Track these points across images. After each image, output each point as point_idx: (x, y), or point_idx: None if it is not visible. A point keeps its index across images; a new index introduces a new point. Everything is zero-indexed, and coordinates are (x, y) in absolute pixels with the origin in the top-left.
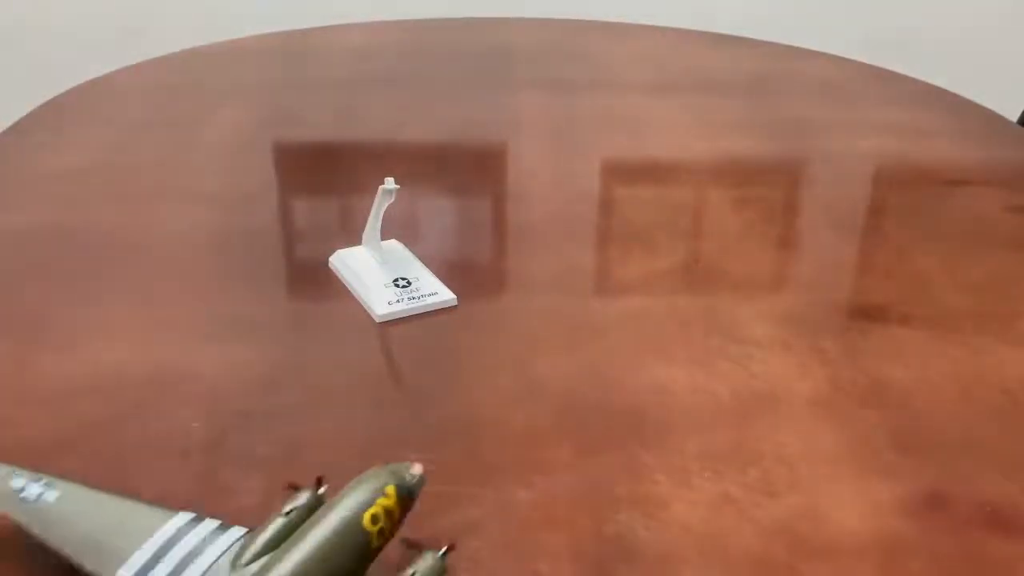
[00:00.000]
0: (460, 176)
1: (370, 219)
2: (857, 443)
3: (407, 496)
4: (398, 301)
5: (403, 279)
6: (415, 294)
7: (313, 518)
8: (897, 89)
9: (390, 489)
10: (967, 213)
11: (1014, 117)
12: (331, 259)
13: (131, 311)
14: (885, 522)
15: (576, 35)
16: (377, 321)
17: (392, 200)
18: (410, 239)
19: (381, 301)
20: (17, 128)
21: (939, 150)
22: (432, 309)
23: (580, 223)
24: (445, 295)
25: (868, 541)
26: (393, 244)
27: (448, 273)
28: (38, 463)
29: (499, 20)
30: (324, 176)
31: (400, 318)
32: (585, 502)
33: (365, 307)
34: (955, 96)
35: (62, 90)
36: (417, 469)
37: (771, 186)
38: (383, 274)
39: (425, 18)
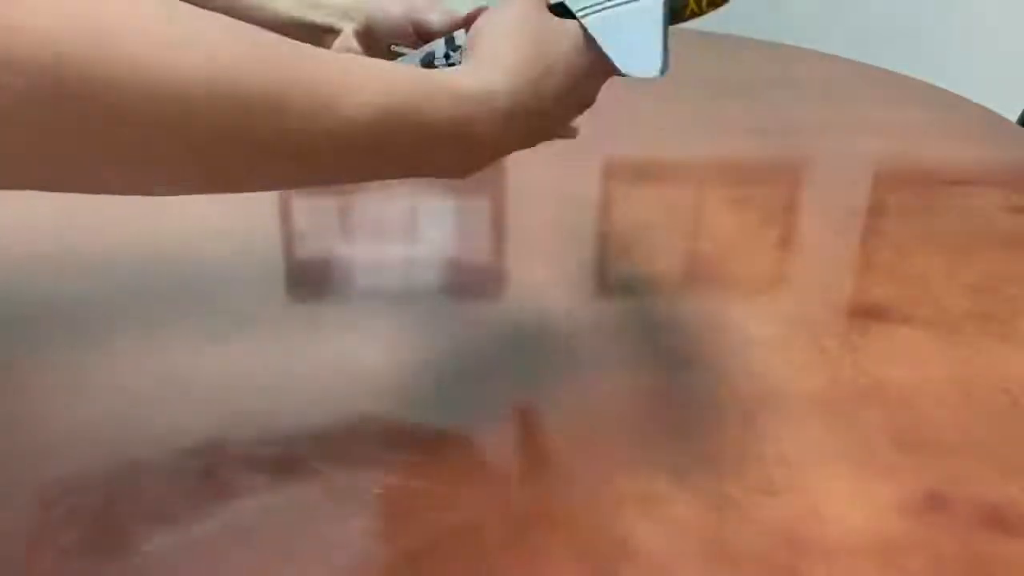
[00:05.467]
0: None
1: None
2: (857, 443)
3: None
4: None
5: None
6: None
7: None
8: (897, 89)
9: None
10: (967, 213)
11: (1014, 117)
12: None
13: (131, 310)
14: (885, 522)
15: None
16: None
17: None
18: (409, 241)
19: None
20: None
21: (939, 150)
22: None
23: (580, 223)
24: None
25: (868, 541)
26: None
27: (448, 274)
28: (35, 461)
29: None
30: None
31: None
32: (585, 502)
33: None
34: (955, 96)
35: None
36: None
37: (771, 186)
38: None
39: None
